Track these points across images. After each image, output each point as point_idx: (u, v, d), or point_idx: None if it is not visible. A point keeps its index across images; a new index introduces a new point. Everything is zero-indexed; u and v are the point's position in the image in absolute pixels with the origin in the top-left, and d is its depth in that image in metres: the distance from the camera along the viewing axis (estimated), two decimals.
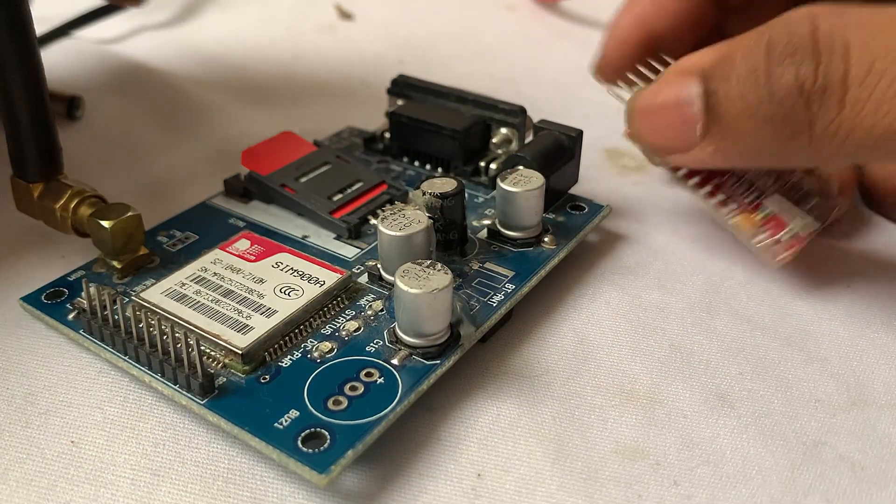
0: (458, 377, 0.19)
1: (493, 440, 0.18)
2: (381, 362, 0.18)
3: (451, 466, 0.17)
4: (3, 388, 0.19)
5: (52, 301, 0.20)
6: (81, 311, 0.19)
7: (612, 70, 0.24)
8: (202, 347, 0.18)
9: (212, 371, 0.18)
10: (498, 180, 0.22)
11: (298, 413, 0.17)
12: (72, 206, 0.21)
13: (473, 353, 0.20)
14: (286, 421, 0.17)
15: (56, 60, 0.36)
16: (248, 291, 0.20)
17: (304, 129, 0.27)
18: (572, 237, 0.23)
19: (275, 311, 0.19)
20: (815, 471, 0.17)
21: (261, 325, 0.18)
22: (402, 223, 0.20)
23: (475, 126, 0.25)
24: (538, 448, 0.18)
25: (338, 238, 0.23)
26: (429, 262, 0.18)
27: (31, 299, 0.21)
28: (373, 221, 0.22)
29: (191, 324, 0.19)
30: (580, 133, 0.24)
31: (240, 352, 0.18)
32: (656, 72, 0.22)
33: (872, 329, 0.21)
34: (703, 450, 0.18)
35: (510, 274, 0.21)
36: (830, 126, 0.17)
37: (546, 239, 0.22)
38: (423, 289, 0.17)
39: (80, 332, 0.19)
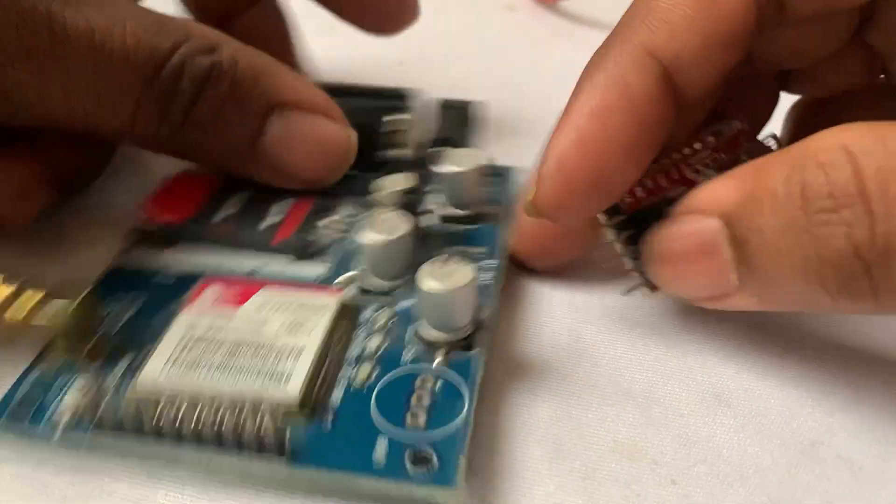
0: None
1: (491, 439, 0.18)
2: (427, 366, 0.18)
3: None
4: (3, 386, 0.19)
5: (28, 408, 0.17)
6: (73, 424, 0.17)
7: (556, 211, 0.19)
8: (244, 411, 0.16)
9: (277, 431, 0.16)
10: (442, 165, 0.22)
11: (387, 440, 0.16)
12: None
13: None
14: (382, 452, 0.16)
15: None
16: (257, 337, 0.18)
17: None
18: (508, 202, 0.23)
19: (300, 350, 0.18)
20: (813, 470, 0.17)
21: (297, 368, 0.17)
22: (387, 227, 0.20)
23: (371, 117, 0.25)
24: (536, 447, 0.18)
25: (297, 260, 0.21)
26: (443, 257, 0.18)
27: (8, 422, 0.17)
28: (322, 225, 0.22)
29: (220, 391, 0.17)
30: (475, 103, 0.25)
31: (295, 400, 0.17)
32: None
33: (871, 328, 0.21)
34: (701, 449, 0.18)
35: (484, 249, 0.21)
36: None
37: (491, 210, 0.23)
38: (456, 284, 0.17)
39: (88, 447, 0.17)
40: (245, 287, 0.20)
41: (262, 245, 0.22)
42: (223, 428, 0.16)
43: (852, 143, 0.15)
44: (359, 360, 0.18)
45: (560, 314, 0.21)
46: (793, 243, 0.15)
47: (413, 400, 0.17)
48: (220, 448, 0.16)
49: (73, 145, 0.22)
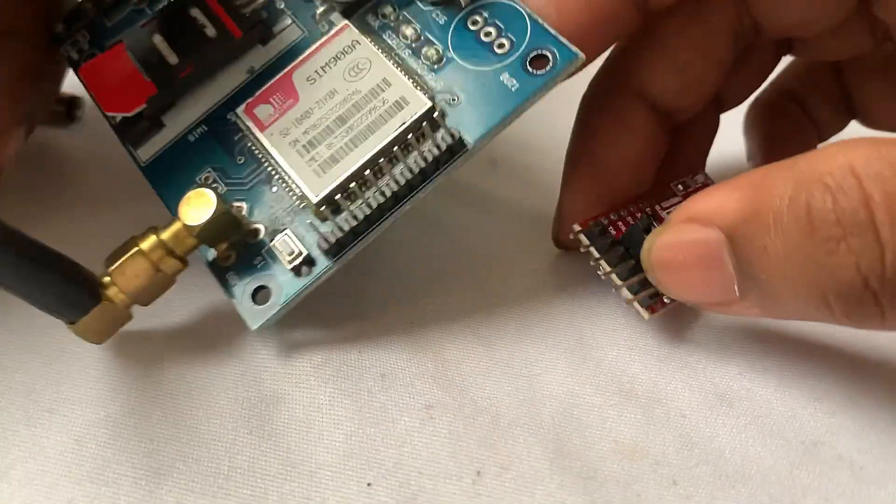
0: (456, 374, 0.19)
1: (493, 438, 0.18)
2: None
3: (451, 464, 0.17)
4: (5, 385, 0.19)
5: (265, 296, 0.18)
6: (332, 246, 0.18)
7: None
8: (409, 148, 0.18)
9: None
10: None
11: (511, 65, 0.19)
12: (163, 251, 0.18)
13: (471, 349, 0.20)
14: (515, 75, 0.18)
15: None
16: (343, 100, 0.19)
17: None
18: None
19: (383, 78, 0.19)
20: (813, 470, 0.17)
21: (403, 85, 0.19)
22: None
23: None
24: (537, 446, 0.18)
25: (263, 44, 0.21)
26: None
27: (259, 315, 0.18)
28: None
29: (375, 146, 0.18)
30: None
31: (430, 101, 0.18)
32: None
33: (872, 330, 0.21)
34: (703, 449, 0.18)
35: None
36: None
37: None
38: None
39: (365, 235, 0.18)
40: (280, 85, 0.20)
41: (232, 54, 0.21)
42: (414, 168, 0.18)
43: (859, 165, 0.14)
44: (416, 45, 0.20)
45: (563, 314, 0.21)
46: (798, 268, 0.15)
47: (483, 37, 0.19)
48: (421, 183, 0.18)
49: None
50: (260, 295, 0.19)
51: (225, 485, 0.17)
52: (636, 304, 0.20)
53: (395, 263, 0.22)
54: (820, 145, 0.25)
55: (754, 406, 0.19)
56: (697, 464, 0.17)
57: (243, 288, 0.19)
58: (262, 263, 0.19)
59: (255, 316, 0.18)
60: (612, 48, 0.22)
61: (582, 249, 0.21)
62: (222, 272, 0.19)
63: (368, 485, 0.17)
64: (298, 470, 0.17)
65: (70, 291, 0.18)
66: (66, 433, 0.18)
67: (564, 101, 0.23)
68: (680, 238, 0.17)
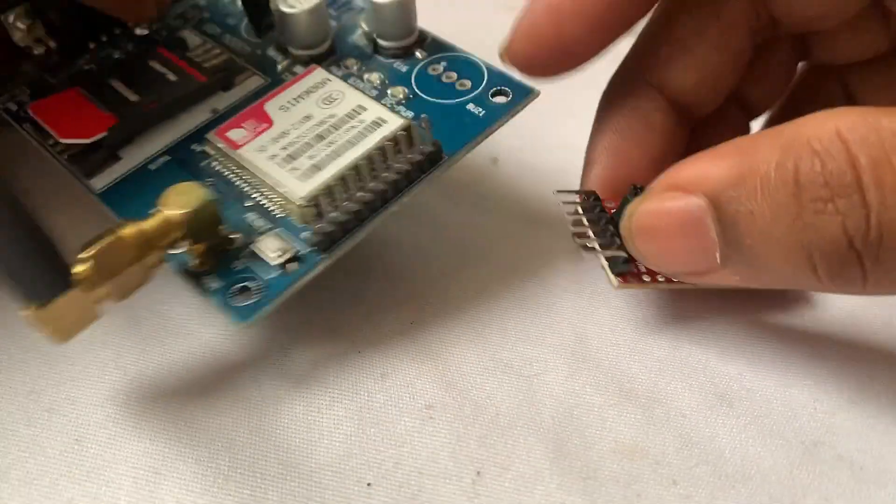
0: (456, 374, 0.19)
1: (493, 438, 0.18)
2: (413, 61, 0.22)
3: (451, 464, 0.17)
4: (5, 385, 0.19)
5: (248, 296, 0.17)
6: (321, 238, 0.18)
7: (520, 60, 0.21)
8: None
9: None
10: None
11: (471, 101, 0.21)
12: (144, 241, 0.17)
13: (471, 349, 0.20)
14: (477, 113, 0.20)
15: None
16: (319, 122, 0.19)
17: None
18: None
19: (358, 104, 0.20)
20: (813, 470, 0.17)
21: (379, 111, 0.20)
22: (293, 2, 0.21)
23: None
24: (537, 446, 0.18)
25: (225, 90, 0.22)
26: None
27: (245, 311, 0.17)
28: (201, 53, 0.22)
29: (357, 155, 0.19)
30: None
31: (408, 123, 0.19)
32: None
33: (872, 330, 0.21)
34: (702, 449, 0.18)
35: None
36: (890, 275, 0.15)
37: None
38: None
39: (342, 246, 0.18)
40: (253, 112, 0.20)
41: (195, 95, 0.21)
42: (398, 171, 0.19)
43: (846, 130, 0.15)
44: (382, 87, 0.21)
45: (564, 315, 0.21)
46: (785, 229, 0.15)
47: (445, 79, 0.21)
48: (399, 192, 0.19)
49: None
50: (242, 295, 0.17)
51: (225, 485, 0.17)
52: (607, 271, 0.19)
53: (395, 263, 0.22)
54: None
55: (754, 406, 0.19)
56: (697, 464, 0.17)
57: (224, 289, 0.18)
58: (242, 266, 0.18)
59: (237, 312, 0.17)
60: (630, 46, 0.22)
61: (563, 203, 0.20)
62: (198, 277, 0.18)
63: (368, 485, 0.17)
64: (298, 470, 0.17)
65: (45, 265, 0.16)
66: (66, 433, 0.18)
67: (565, 101, 0.23)
68: (662, 205, 0.17)
